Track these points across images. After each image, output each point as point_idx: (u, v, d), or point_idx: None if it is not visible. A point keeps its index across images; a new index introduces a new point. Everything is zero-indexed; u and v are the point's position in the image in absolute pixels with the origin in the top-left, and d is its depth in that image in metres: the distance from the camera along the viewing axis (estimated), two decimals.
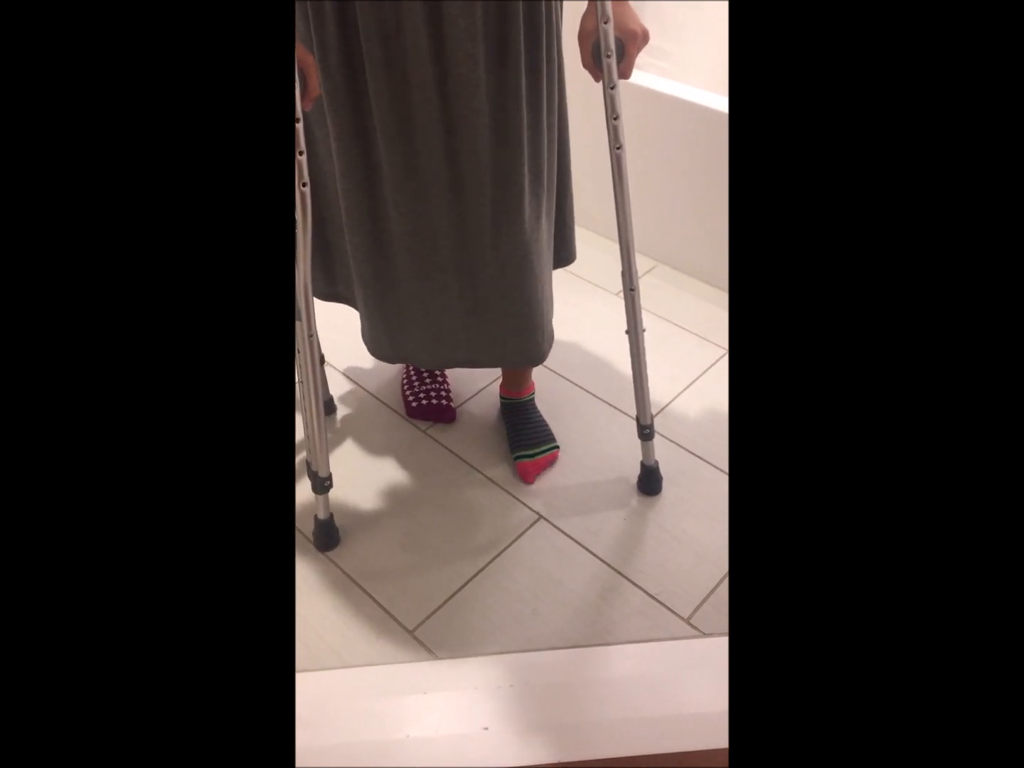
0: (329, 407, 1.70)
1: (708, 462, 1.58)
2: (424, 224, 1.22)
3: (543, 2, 1.11)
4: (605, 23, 1.08)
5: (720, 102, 1.81)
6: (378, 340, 1.43)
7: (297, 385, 1.31)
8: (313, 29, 1.10)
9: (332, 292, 1.48)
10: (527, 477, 1.53)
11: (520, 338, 1.36)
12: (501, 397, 1.66)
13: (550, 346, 1.41)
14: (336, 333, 1.61)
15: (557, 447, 1.59)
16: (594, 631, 1.29)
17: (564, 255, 1.44)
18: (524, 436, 1.58)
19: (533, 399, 1.66)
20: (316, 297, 1.44)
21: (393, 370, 1.80)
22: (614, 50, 1.10)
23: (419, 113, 1.12)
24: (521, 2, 1.08)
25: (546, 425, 1.61)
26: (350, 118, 1.16)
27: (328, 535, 1.43)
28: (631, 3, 1.13)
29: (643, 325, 1.32)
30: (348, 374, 1.80)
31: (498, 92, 1.13)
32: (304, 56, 1.06)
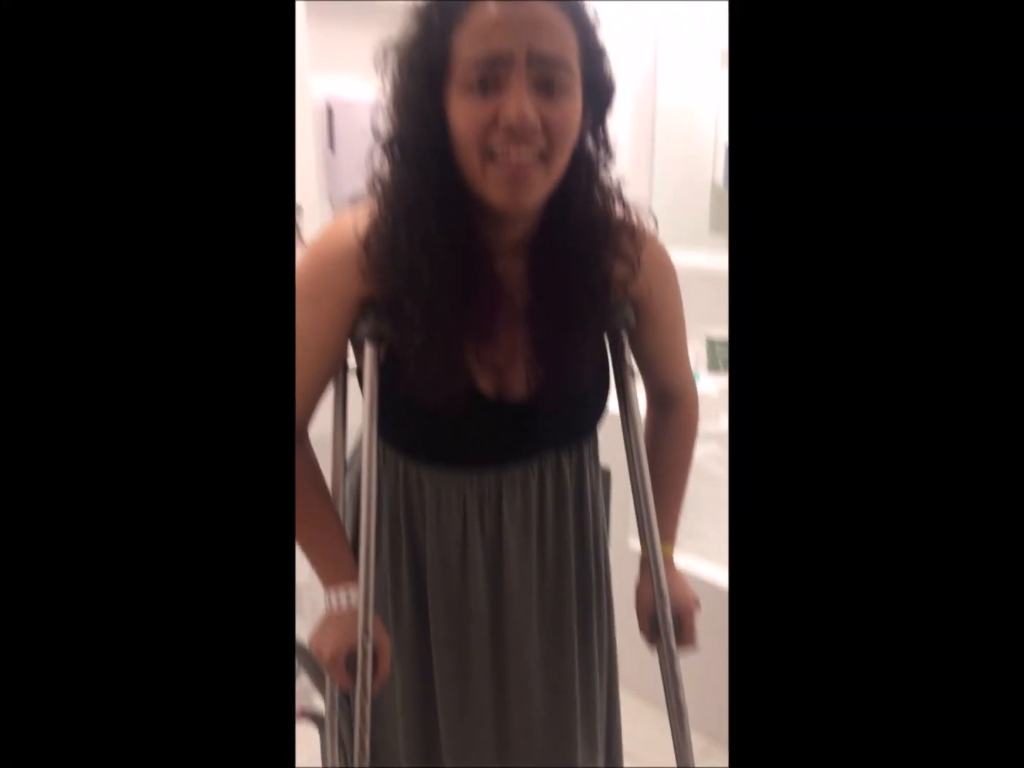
0: None
1: None
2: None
3: (594, 565, 1.12)
4: (661, 599, 1.03)
5: None
6: None
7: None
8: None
9: None
10: None
11: None
12: None
13: None
14: None
15: None
16: None
17: None
18: None
19: None
20: None
21: None
22: (672, 626, 1.03)
23: (475, 658, 1.07)
24: (574, 558, 1.09)
25: None
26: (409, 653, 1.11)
27: None
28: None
29: None
30: None
31: (550, 639, 1.10)
32: (382, 637, 0.98)
